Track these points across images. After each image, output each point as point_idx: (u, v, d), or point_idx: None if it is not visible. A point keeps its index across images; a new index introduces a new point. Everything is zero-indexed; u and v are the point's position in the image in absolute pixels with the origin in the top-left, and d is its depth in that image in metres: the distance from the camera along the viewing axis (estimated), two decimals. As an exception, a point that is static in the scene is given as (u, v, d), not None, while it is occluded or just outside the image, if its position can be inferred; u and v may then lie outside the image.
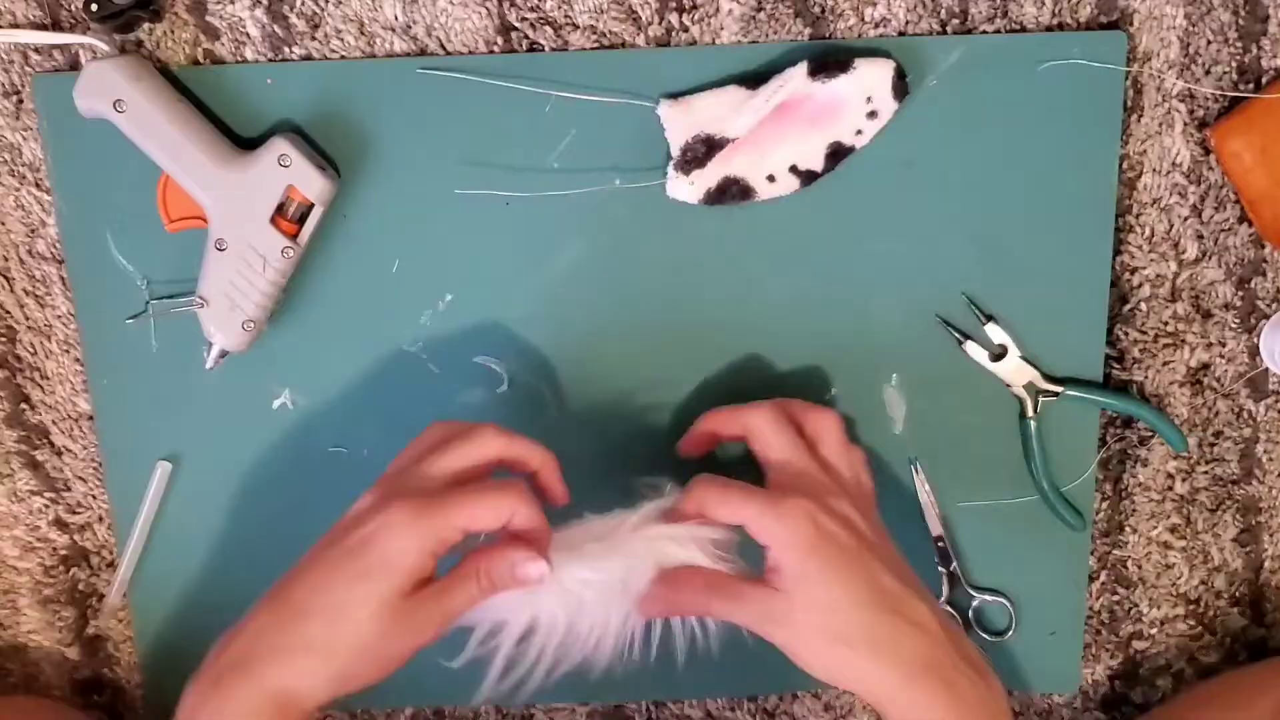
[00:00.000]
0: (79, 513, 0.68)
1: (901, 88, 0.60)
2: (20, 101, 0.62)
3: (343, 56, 0.62)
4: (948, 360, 0.65)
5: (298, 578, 0.52)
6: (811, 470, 0.55)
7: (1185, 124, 0.63)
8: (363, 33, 0.62)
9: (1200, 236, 0.64)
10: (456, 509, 0.51)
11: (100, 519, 0.68)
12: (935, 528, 0.66)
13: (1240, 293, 0.65)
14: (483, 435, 0.55)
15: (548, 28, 0.62)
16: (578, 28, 0.62)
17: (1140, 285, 0.65)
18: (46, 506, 0.68)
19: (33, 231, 0.64)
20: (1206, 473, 0.67)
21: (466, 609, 0.52)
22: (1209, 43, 0.62)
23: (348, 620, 0.50)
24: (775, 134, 0.60)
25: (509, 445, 0.56)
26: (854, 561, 0.52)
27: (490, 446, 0.55)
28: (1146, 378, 0.66)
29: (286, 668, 0.49)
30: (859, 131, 0.60)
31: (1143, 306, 0.65)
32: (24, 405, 0.66)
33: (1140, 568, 0.69)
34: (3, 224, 0.64)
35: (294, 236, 0.60)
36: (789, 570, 0.52)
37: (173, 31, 0.61)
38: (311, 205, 0.60)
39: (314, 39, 0.62)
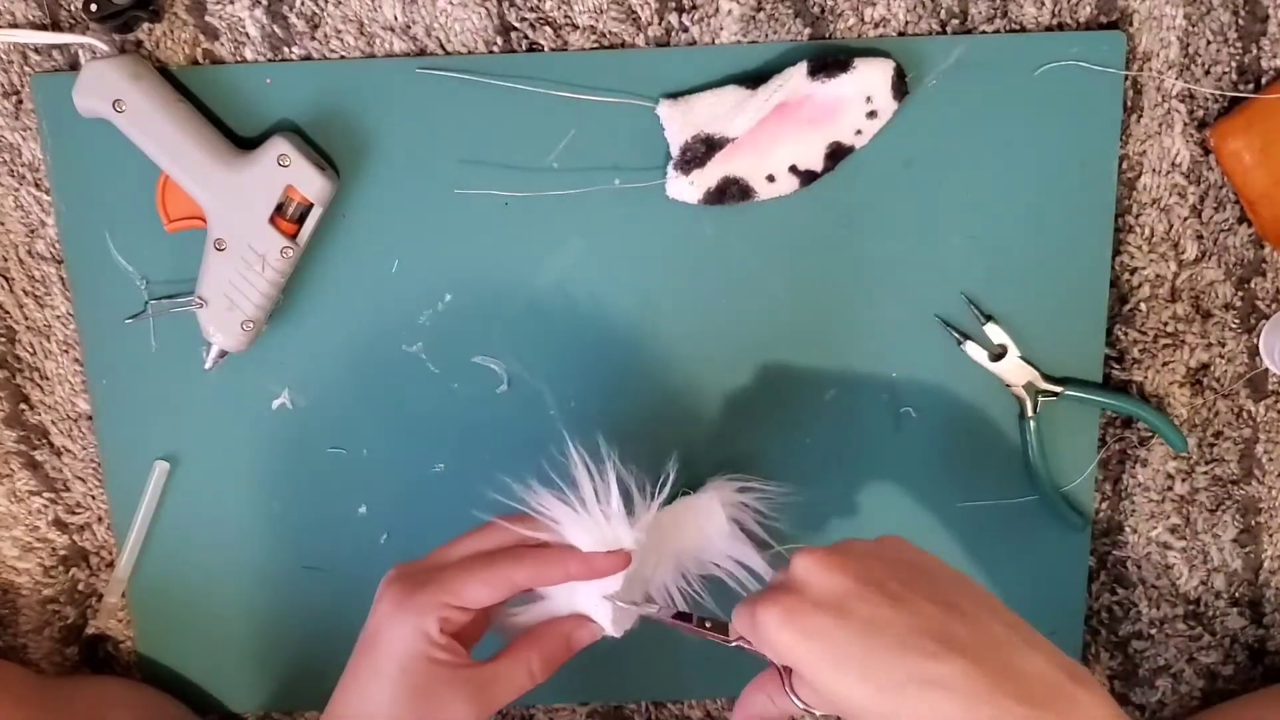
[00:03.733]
0: (78, 513, 0.68)
1: (901, 88, 0.60)
2: (20, 101, 0.62)
3: (342, 57, 0.62)
4: (948, 360, 0.65)
5: (337, 688, 0.53)
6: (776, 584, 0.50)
7: (1185, 124, 0.63)
8: (362, 33, 0.62)
9: (1200, 237, 0.64)
10: (440, 587, 0.52)
11: (100, 519, 0.68)
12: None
13: (1240, 293, 0.65)
14: (492, 525, 0.56)
15: (547, 28, 0.62)
16: (577, 28, 0.62)
17: (1140, 285, 0.65)
18: (46, 507, 0.68)
19: (32, 231, 0.64)
20: (1206, 473, 0.67)
21: (519, 690, 0.53)
22: (1209, 43, 0.62)
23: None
24: (775, 134, 0.60)
25: (517, 535, 0.55)
26: (842, 650, 0.45)
27: (497, 536, 0.55)
28: (1146, 378, 0.66)
29: None
30: (859, 131, 0.60)
31: (1142, 307, 0.65)
32: (23, 405, 0.66)
33: (1140, 568, 0.69)
34: (2, 224, 0.64)
35: (293, 236, 0.60)
36: (796, 670, 0.48)
37: (172, 31, 0.61)
38: (310, 205, 0.60)
39: (313, 39, 0.62)
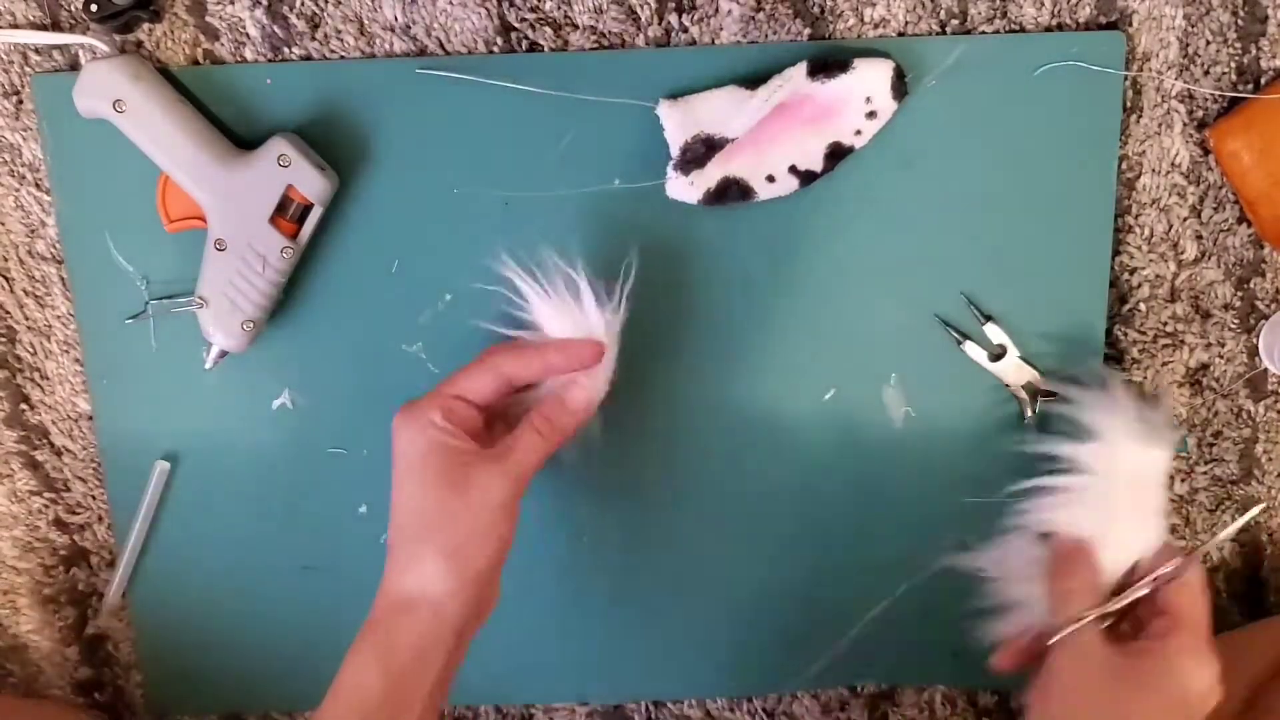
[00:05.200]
0: (79, 513, 0.68)
1: (901, 88, 0.60)
2: (20, 102, 0.62)
3: (342, 57, 0.62)
4: (947, 360, 0.65)
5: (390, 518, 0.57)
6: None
7: (1184, 124, 0.63)
8: (362, 33, 0.62)
9: (1199, 237, 0.64)
10: (443, 386, 0.57)
11: (100, 519, 0.68)
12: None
13: (1239, 293, 0.65)
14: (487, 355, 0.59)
15: (547, 28, 0.62)
16: (577, 28, 0.62)
17: (1139, 285, 0.65)
18: (46, 506, 0.68)
19: (32, 232, 0.64)
20: (1206, 473, 0.67)
21: (539, 458, 0.56)
22: (1208, 43, 0.62)
23: (422, 514, 0.54)
24: (774, 134, 0.60)
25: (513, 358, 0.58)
26: None
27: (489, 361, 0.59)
28: (1146, 378, 0.66)
29: (411, 575, 0.54)
30: (858, 132, 0.60)
31: (1142, 307, 0.65)
32: (24, 405, 0.66)
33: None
34: (3, 224, 0.64)
35: (293, 236, 0.60)
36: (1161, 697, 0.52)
37: (172, 32, 0.61)
38: (311, 205, 0.60)
39: (314, 39, 0.62)
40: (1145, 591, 0.56)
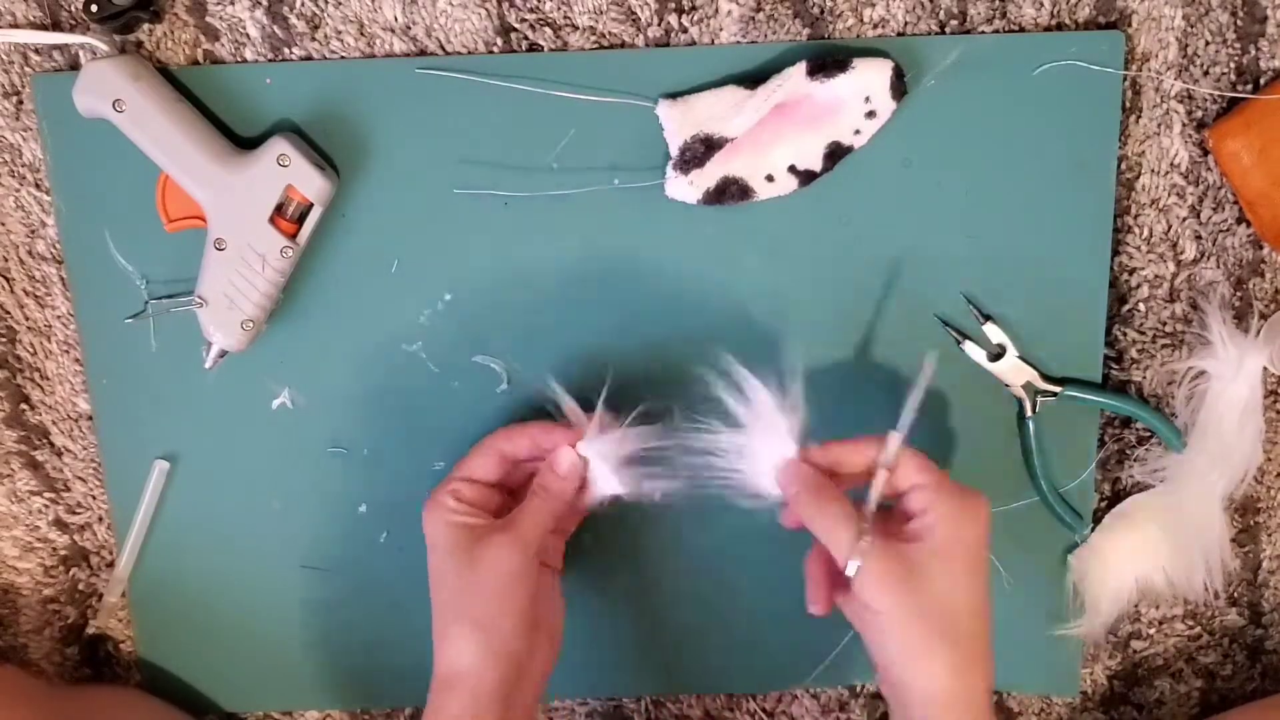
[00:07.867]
0: (79, 513, 0.68)
1: (900, 88, 0.60)
2: (20, 102, 0.62)
3: (342, 57, 0.62)
4: (946, 360, 0.65)
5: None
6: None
7: (1183, 125, 0.63)
8: (362, 33, 0.62)
9: (1198, 237, 0.64)
10: (452, 473, 0.60)
11: (100, 519, 0.68)
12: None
13: (1238, 293, 0.65)
14: (481, 443, 0.61)
15: (547, 28, 0.62)
16: (577, 28, 0.62)
17: (1139, 285, 0.65)
18: (46, 507, 0.68)
19: (32, 232, 0.64)
20: (1205, 473, 0.67)
21: (541, 520, 0.59)
22: (1207, 43, 0.62)
23: (450, 593, 0.57)
24: (774, 134, 0.60)
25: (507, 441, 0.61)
26: (983, 578, 0.55)
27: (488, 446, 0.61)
28: (1145, 378, 0.66)
29: (449, 652, 0.56)
30: (857, 131, 0.60)
31: (1141, 307, 0.65)
32: (24, 405, 0.66)
33: (1139, 568, 0.69)
34: (3, 224, 0.64)
35: (293, 236, 0.60)
36: (940, 548, 0.54)
37: (172, 32, 0.61)
38: (310, 205, 0.60)
39: (314, 40, 0.62)
40: (882, 485, 0.56)
